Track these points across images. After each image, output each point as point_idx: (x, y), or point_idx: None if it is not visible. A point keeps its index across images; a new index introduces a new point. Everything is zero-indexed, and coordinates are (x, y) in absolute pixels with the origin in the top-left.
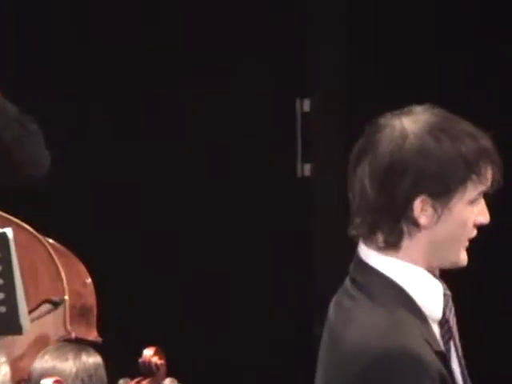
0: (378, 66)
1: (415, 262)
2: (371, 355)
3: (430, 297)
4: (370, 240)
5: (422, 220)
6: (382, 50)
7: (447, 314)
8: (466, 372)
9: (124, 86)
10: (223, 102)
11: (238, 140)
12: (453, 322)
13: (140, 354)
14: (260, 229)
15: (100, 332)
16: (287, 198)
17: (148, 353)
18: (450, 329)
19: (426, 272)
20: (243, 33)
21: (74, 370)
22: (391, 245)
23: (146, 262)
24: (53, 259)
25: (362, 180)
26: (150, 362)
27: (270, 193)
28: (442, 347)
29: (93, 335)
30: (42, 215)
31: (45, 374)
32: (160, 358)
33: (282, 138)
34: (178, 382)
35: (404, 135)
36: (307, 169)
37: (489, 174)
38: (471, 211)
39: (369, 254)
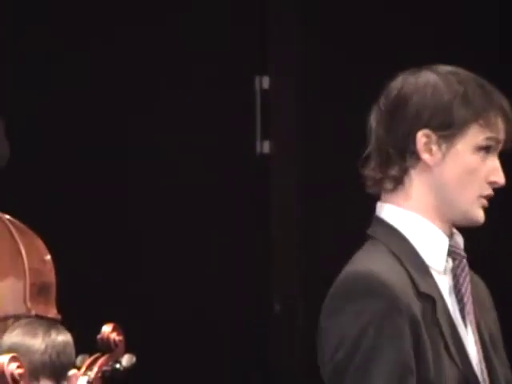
0: (337, 42)
1: (421, 210)
2: (341, 277)
3: (430, 245)
4: (380, 187)
5: (426, 156)
6: (340, 27)
7: (458, 273)
8: (487, 343)
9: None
10: (182, 79)
11: (196, 117)
12: (464, 282)
13: (98, 331)
14: (220, 206)
15: (59, 309)
16: (246, 175)
17: (106, 329)
18: (460, 289)
19: (427, 221)
20: (202, 9)
21: (43, 346)
22: (398, 183)
23: (104, 236)
24: (12, 235)
25: (372, 124)
26: (108, 339)
27: (229, 170)
28: (444, 295)
29: (52, 312)
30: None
31: (12, 347)
32: (118, 334)
33: (241, 116)
34: (137, 358)
35: (414, 74)
36: (266, 146)
37: (499, 123)
38: (479, 159)
39: (381, 208)
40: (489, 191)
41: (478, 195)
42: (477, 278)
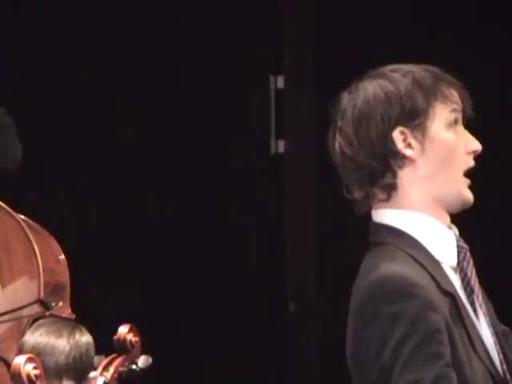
0: (352, 41)
1: (422, 207)
2: (368, 284)
3: (440, 242)
4: (373, 199)
5: (408, 151)
6: (355, 26)
7: (464, 266)
8: (498, 328)
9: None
10: (198, 78)
11: (212, 117)
12: (472, 274)
13: (115, 332)
14: (235, 205)
15: (74, 309)
16: (261, 174)
17: (123, 330)
18: (469, 282)
19: (431, 218)
20: (218, 8)
21: (68, 347)
22: (391, 190)
23: (120, 237)
24: (26, 235)
25: (341, 147)
26: (124, 339)
27: (244, 169)
28: (457, 291)
29: (66, 312)
30: (13, 193)
31: (37, 347)
32: (135, 335)
33: (256, 115)
34: (153, 359)
35: (357, 89)
36: (281, 145)
37: (454, 93)
38: (454, 135)
39: (377, 214)
40: (472, 162)
41: (463, 171)
42: None
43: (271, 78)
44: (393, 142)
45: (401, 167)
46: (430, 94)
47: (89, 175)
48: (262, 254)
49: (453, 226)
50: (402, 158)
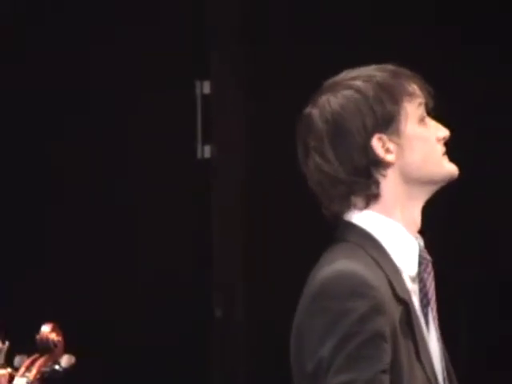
0: (277, 50)
1: (394, 215)
2: (323, 277)
3: (403, 250)
4: (349, 207)
5: (389, 157)
6: (280, 33)
7: (424, 277)
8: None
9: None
10: (123, 85)
11: (138, 122)
12: (430, 287)
13: (37, 331)
14: (161, 209)
15: None
16: (187, 179)
17: (45, 329)
18: (426, 293)
19: (399, 225)
20: (144, 11)
21: None
22: (372, 199)
23: (38, 234)
24: None
25: (318, 166)
26: (47, 339)
27: (170, 174)
28: (413, 300)
29: None
30: None
31: None
32: (57, 335)
33: (182, 121)
34: (76, 358)
35: (322, 104)
36: (207, 151)
37: (415, 87)
38: (425, 129)
39: (349, 214)
40: (443, 148)
41: (442, 154)
42: None
43: (197, 83)
44: (373, 151)
45: (384, 175)
46: (397, 94)
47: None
48: (189, 259)
49: (419, 236)
50: (384, 165)
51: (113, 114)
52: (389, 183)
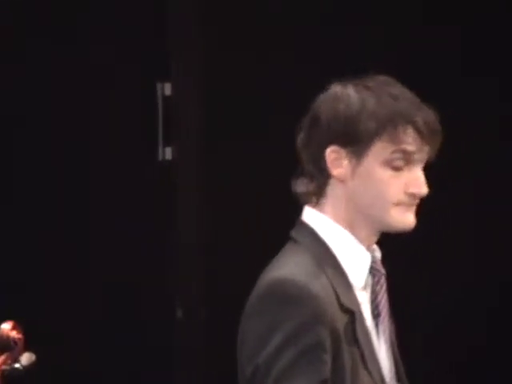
0: (237, 51)
1: (344, 222)
2: (267, 282)
3: (352, 259)
4: (309, 197)
5: (335, 171)
6: (240, 36)
7: (377, 289)
8: (397, 356)
9: None
10: (84, 87)
11: (98, 124)
12: (382, 299)
13: None
14: (122, 212)
15: None
16: (148, 181)
17: (5, 327)
18: (377, 305)
19: (349, 234)
20: (104, 13)
21: None
22: (321, 196)
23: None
24: None
25: (300, 140)
26: (7, 337)
27: (131, 176)
28: (362, 309)
29: None
30: None
31: None
32: (18, 333)
33: (143, 122)
34: (37, 357)
35: (334, 90)
36: (168, 152)
37: (408, 133)
38: (389, 173)
39: (307, 212)
40: (409, 200)
41: (393, 203)
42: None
43: (158, 85)
44: (324, 159)
45: (329, 182)
46: (379, 127)
47: None
48: (151, 262)
49: (376, 249)
50: (329, 175)
51: (74, 116)
52: (339, 192)
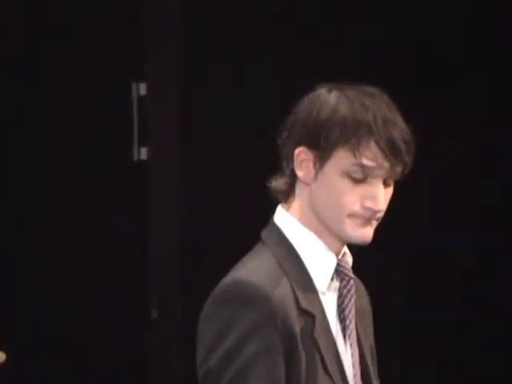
0: (211, 52)
1: (310, 225)
2: (224, 283)
3: (317, 262)
4: (278, 195)
5: (300, 173)
6: (215, 36)
7: (344, 293)
8: (369, 361)
9: None
10: (61, 85)
11: (73, 124)
12: (349, 303)
13: None
14: (97, 212)
15: None
16: (123, 181)
17: None
18: (344, 309)
19: (315, 237)
20: (81, 13)
21: None
22: (289, 195)
23: None
24: None
25: (280, 131)
26: None
27: (105, 176)
28: (325, 312)
29: None
30: None
31: None
32: None
33: (118, 122)
34: (7, 356)
35: (313, 93)
36: (143, 152)
37: (373, 151)
38: (347, 184)
39: (278, 212)
40: (364, 213)
41: (347, 214)
42: (361, 287)
43: (133, 85)
44: (293, 158)
45: (297, 182)
46: (344, 137)
47: None
48: (126, 262)
49: (348, 253)
50: (295, 176)
51: (49, 116)
52: (305, 194)
